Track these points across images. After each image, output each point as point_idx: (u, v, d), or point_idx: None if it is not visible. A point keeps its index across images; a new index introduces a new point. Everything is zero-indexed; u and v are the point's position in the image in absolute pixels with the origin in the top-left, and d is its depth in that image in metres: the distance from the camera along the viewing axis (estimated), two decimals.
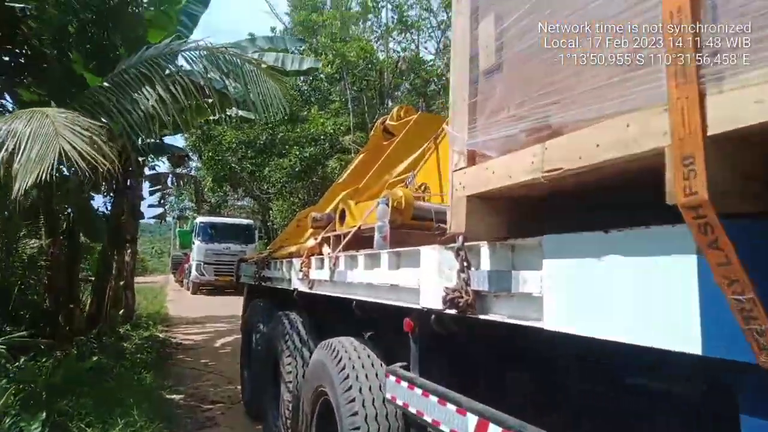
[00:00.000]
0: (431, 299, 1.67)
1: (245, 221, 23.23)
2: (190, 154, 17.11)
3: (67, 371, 4.74)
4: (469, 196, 1.44)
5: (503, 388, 2.06)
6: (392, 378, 2.08)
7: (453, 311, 1.50)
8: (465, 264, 1.49)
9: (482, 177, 1.39)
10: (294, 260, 3.53)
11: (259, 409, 4.65)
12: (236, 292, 22.74)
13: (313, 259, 3.09)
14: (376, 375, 2.40)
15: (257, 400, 4.71)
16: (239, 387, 5.97)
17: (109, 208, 8.63)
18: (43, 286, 8.00)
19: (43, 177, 3.05)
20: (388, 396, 2.16)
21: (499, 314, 1.41)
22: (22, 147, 3.10)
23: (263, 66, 5.28)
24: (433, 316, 1.72)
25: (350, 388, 2.45)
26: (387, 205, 2.45)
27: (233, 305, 17.78)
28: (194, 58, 5.01)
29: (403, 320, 2.18)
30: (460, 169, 1.51)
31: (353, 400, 2.37)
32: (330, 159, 14.10)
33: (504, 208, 1.44)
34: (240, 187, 26.47)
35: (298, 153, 13.91)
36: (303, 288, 3.31)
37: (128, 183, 8.10)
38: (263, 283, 4.45)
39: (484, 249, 1.47)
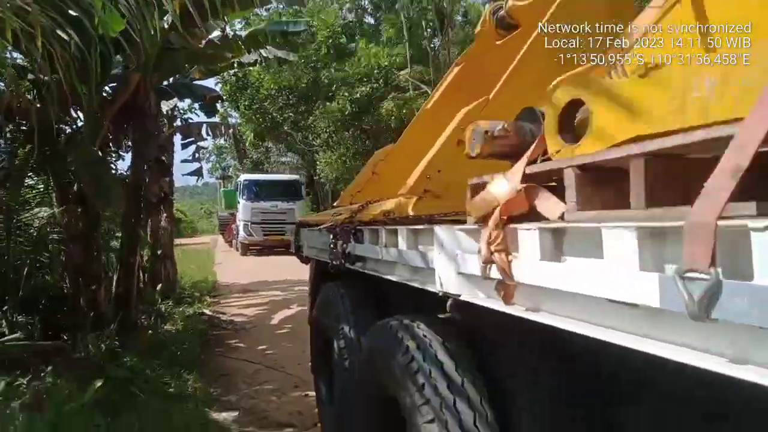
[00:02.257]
0: None
1: (291, 177, 21.69)
2: (227, 106, 15.42)
3: (64, 403, 3.10)
4: None
5: None
6: None
7: None
8: None
9: None
10: (440, 231, 1.61)
11: None
12: (287, 251, 21.50)
13: (530, 232, 1.17)
14: None
15: None
16: (307, 394, 4.32)
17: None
18: (60, 264, 6.51)
19: None
20: None
21: None
22: None
23: None
24: None
25: None
26: None
27: (285, 266, 16.35)
28: None
29: None
30: None
31: None
32: (384, 100, 12.03)
33: None
34: (282, 141, 24.83)
35: (347, 94, 11.89)
36: (480, 299, 1.42)
37: (148, 132, 6.35)
38: (351, 265, 2.59)
39: None
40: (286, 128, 16.29)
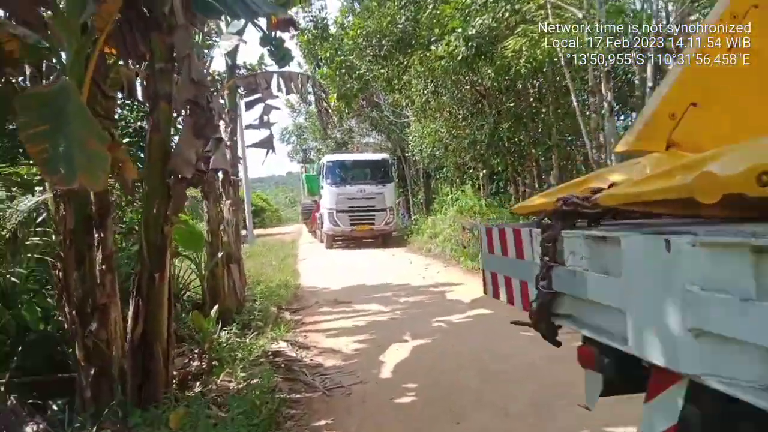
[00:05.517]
0: None
1: (379, 155, 19.04)
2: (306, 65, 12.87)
3: None
4: None
5: None
6: None
7: None
8: None
9: None
10: None
11: None
12: (376, 243, 19.01)
13: None
14: None
15: None
16: None
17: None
18: (57, 281, 4.12)
19: None
20: None
21: None
22: None
23: None
24: None
25: None
26: None
27: (380, 265, 13.62)
28: None
29: None
30: None
31: None
32: (509, 38, 8.83)
33: None
34: (366, 119, 22.24)
35: (461, 30, 8.81)
36: None
37: (174, 63, 3.72)
38: None
39: None
40: (375, 88, 13.46)
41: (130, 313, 3.76)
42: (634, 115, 14.60)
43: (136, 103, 5.35)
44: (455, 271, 11.02)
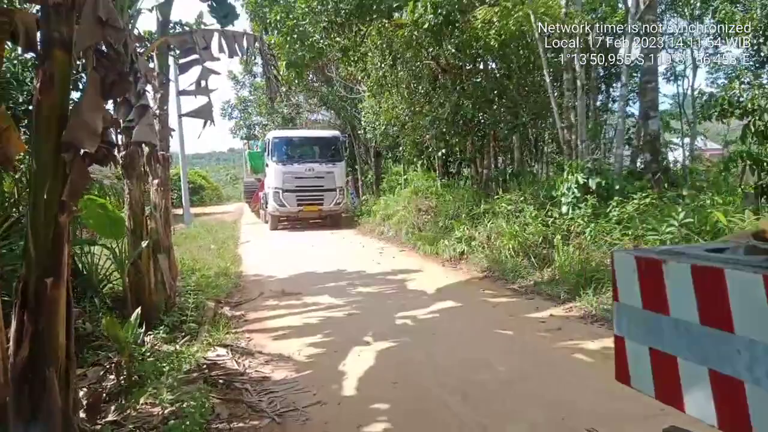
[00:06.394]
0: None
1: (330, 133, 18.17)
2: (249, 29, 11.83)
3: None
4: None
5: None
6: None
7: None
8: None
9: None
10: None
11: None
12: (324, 224, 18.14)
13: None
14: None
15: None
16: None
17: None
18: None
19: None
20: None
21: None
22: None
23: None
24: None
25: None
26: None
27: (330, 247, 12.81)
28: None
29: None
30: None
31: None
32: (479, 8, 8.15)
33: None
34: (316, 92, 21.14)
35: None
36: None
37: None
38: None
39: None
40: (328, 58, 12.51)
41: (12, 330, 2.86)
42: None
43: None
44: (412, 256, 10.45)
